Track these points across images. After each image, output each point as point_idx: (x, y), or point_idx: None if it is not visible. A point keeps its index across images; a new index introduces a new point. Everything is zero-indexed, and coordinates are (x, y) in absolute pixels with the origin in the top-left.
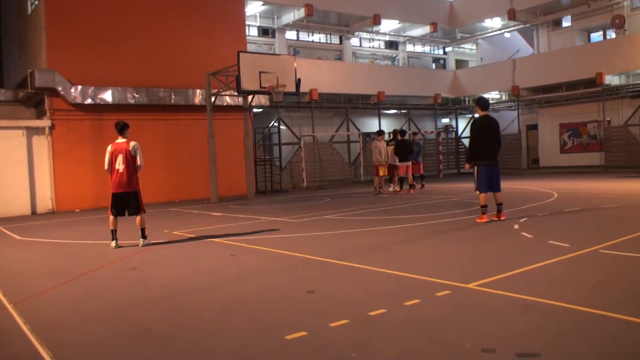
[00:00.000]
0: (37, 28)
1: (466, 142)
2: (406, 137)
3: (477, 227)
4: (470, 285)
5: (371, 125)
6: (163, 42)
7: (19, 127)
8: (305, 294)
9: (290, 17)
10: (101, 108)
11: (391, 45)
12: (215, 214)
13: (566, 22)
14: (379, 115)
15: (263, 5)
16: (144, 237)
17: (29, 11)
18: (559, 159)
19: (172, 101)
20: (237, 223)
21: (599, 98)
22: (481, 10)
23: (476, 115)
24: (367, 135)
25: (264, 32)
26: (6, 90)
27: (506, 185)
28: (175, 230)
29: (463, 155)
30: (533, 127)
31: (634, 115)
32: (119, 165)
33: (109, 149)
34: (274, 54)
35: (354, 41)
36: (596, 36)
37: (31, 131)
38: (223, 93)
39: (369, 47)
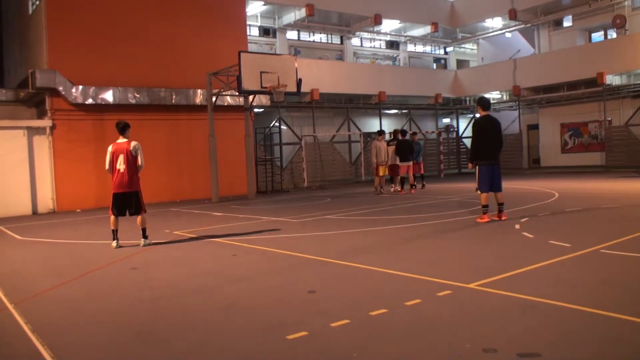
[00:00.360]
0: (38, 28)
1: (467, 142)
2: (406, 137)
3: (478, 227)
4: (472, 285)
5: (372, 125)
6: (164, 42)
7: (20, 127)
8: (306, 293)
9: (291, 17)
10: (102, 108)
11: (392, 45)
12: (216, 213)
13: (567, 22)
14: (380, 115)
15: (264, 5)
16: (145, 237)
17: (30, 11)
18: (559, 158)
19: (173, 101)
20: (238, 223)
21: (600, 98)
22: (482, 10)
23: (477, 116)
24: (368, 135)
25: (265, 32)
26: (7, 90)
27: (507, 185)
28: (176, 230)
29: (464, 155)
30: (534, 127)
31: (635, 115)
32: (120, 165)
33: (110, 149)
34: (275, 54)
35: (355, 41)
36: (597, 36)
37: (32, 131)
38: (224, 93)
39: (370, 47)
